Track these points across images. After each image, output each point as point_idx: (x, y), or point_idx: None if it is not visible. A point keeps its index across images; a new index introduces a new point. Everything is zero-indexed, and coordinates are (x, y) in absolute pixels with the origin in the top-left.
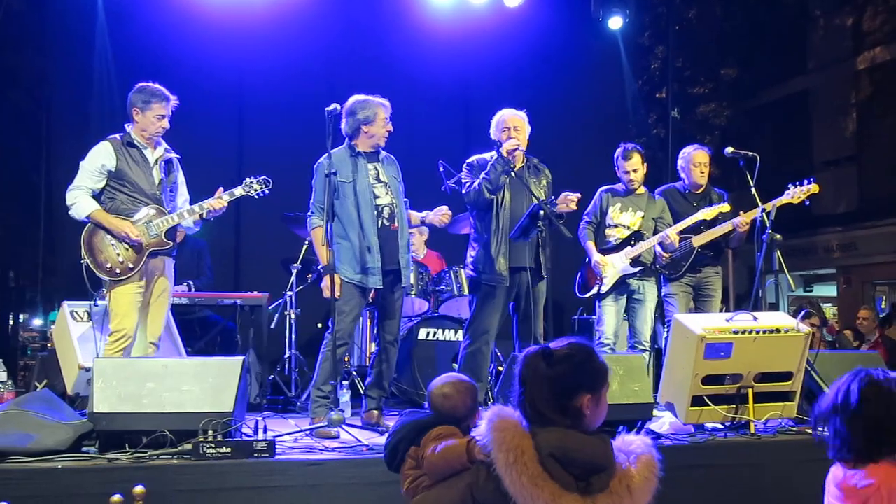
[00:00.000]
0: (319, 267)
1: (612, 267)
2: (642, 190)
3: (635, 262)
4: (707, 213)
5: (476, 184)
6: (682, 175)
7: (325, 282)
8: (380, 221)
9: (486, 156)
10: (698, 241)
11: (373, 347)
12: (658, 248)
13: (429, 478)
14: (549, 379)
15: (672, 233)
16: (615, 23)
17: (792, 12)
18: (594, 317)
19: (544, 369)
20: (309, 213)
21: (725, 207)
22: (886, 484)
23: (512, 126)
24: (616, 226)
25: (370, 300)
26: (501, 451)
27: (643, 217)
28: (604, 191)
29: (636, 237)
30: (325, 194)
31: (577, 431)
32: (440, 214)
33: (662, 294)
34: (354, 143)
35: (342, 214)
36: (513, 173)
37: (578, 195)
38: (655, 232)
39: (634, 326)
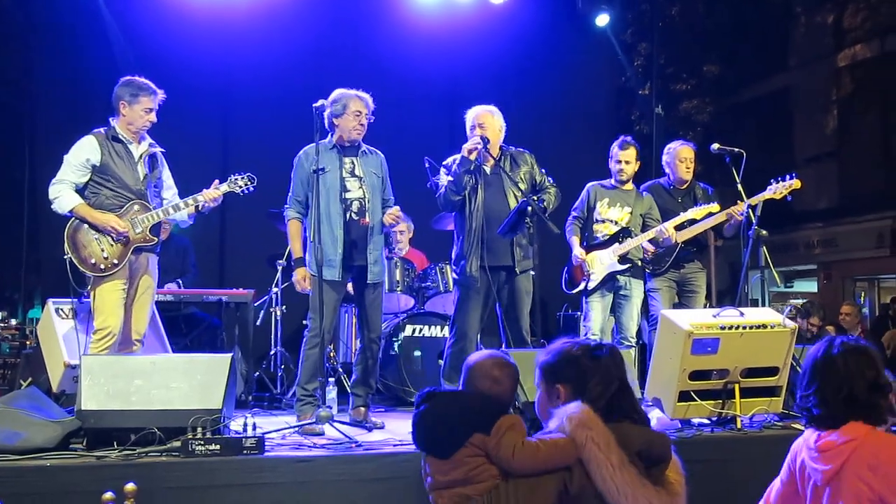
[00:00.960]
0: (290, 261)
1: (601, 263)
2: (630, 186)
3: (623, 258)
4: (696, 213)
5: (443, 187)
6: (668, 171)
7: (296, 275)
8: (348, 215)
9: (459, 155)
10: (681, 237)
11: (358, 344)
12: (645, 244)
13: (510, 469)
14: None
15: (669, 227)
16: (602, 20)
17: (774, 9)
18: (580, 313)
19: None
20: (285, 206)
21: (714, 207)
22: (867, 442)
23: (478, 123)
24: (604, 221)
25: (348, 295)
26: (599, 448)
27: (631, 213)
28: (591, 185)
29: (624, 234)
30: (301, 188)
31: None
32: (387, 214)
33: (647, 289)
34: (332, 137)
35: (313, 208)
36: (486, 171)
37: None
38: (644, 228)
39: (621, 322)
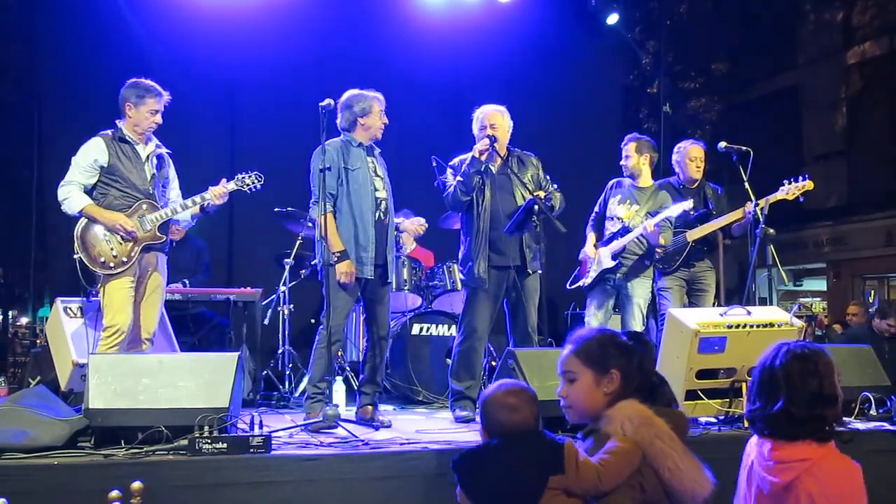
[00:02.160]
0: (334, 254)
1: (597, 261)
2: (648, 182)
3: (615, 256)
4: (673, 211)
5: (451, 186)
6: (677, 170)
7: (342, 267)
8: (377, 214)
9: (468, 155)
10: (692, 235)
11: (365, 343)
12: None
13: (599, 493)
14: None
15: (650, 224)
16: (612, 19)
17: (782, 7)
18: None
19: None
20: (312, 202)
21: (688, 204)
22: (820, 465)
23: (489, 123)
24: (612, 218)
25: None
26: (664, 442)
27: (638, 210)
28: (612, 182)
29: (623, 231)
30: (333, 180)
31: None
32: (416, 224)
33: (656, 287)
34: (352, 137)
35: (343, 204)
36: (492, 171)
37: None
38: None
39: (624, 321)
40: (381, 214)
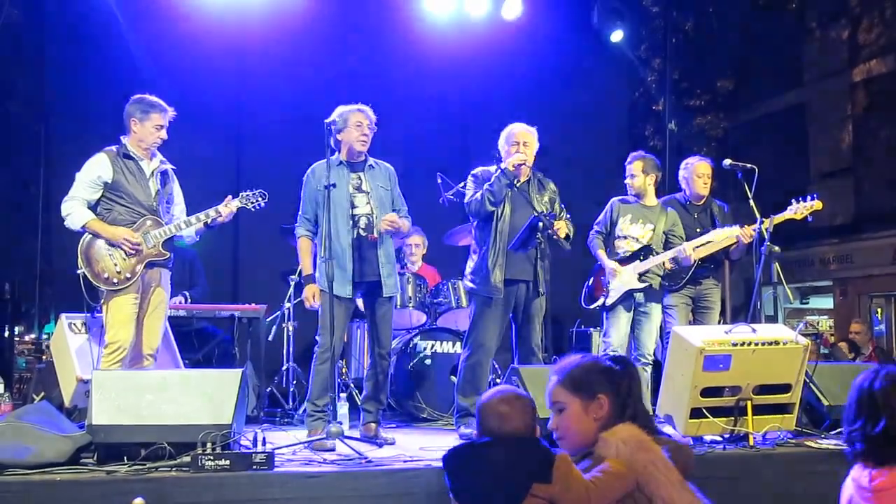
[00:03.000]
0: (300, 278)
1: (619, 280)
2: (654, 201)
3: (642, 277)
4: (717, 236)
5: (479, 194)
6: (684, 186)
7: (306, 292)
8: (355, 231)
9: (492, 168)
10: (697, 253)
11: (368, 360)
12: (666, 262)
13: None
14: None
15: (689, 248)
16: (616, 36)
17: (788, 25)
18: (592, 329)
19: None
20: (296, 224)
21: (735, 231)
22: None
23: (521, 141)
24: (626, 237)
25: (357, 312)
26: (659, 470)
27: (653, 230)
28: (615, 201)
29: (646, 252)
30: (310, 205)
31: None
32: (381, 220)
33: (663, 305)
34: (339, 154)
35: (322, 224)
36: (516, 187)
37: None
38: (667, 245)
39: (639, 339)
40: (362, 231)
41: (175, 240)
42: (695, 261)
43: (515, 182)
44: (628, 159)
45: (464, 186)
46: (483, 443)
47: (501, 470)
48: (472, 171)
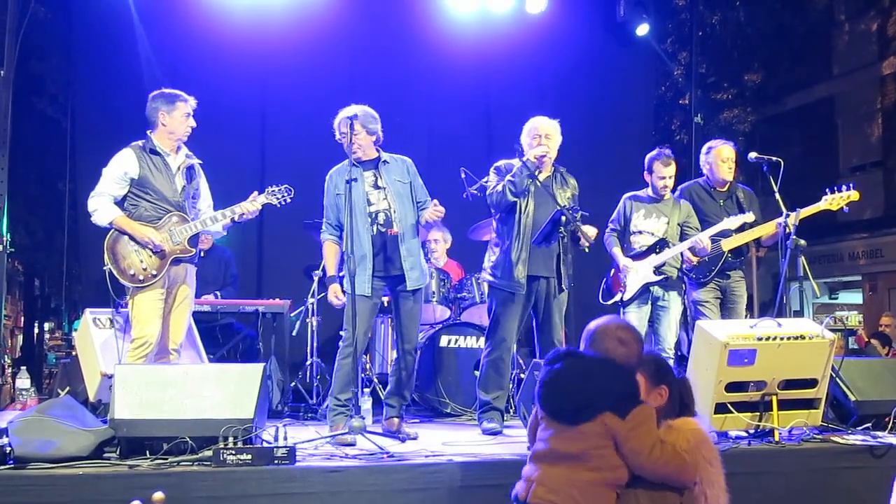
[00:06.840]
0: (324, 276)
1: (636, 275)
2: (668, 195)
3: (658, 270)
4: (731, 223)
5: (500, 185)
6: (706, 171)
7: (329, 292)
8: (374, 228)
9: (514, 161)
10: (728, 244)
11: (394, 355)
12: (687, 253)
13: (638, 465)
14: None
15: (704, 238)
16: (642, 30)
17: (816, 17)
18: None
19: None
20: (321, 230)
21: (749, 217)
22: None
23: (543, 134)
24: (641, 232)
25: (384, 307)
26: (712, 466)
27: (668, 223)
28: (628, 197)
29: (661, 245)
30: (331, 211)
31: None
32: (432, 210)
33: (692, 300)
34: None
35: (345, 224)
36: (538, 182)
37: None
38: (682, 237)
39: (659, 333)
40: (380, 227)
41: (211, 234)
42: (724, 252)
43: (538, 174)
44: (662, 163)
45: (486, 180)
46: (590, 356)
47: (591, 382)
48: (495, 164)
